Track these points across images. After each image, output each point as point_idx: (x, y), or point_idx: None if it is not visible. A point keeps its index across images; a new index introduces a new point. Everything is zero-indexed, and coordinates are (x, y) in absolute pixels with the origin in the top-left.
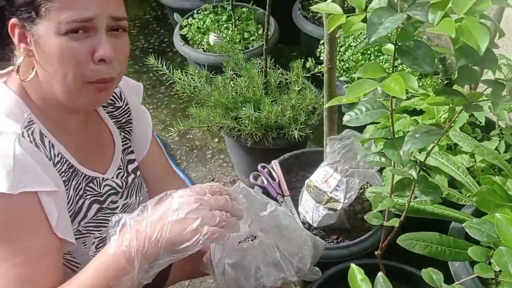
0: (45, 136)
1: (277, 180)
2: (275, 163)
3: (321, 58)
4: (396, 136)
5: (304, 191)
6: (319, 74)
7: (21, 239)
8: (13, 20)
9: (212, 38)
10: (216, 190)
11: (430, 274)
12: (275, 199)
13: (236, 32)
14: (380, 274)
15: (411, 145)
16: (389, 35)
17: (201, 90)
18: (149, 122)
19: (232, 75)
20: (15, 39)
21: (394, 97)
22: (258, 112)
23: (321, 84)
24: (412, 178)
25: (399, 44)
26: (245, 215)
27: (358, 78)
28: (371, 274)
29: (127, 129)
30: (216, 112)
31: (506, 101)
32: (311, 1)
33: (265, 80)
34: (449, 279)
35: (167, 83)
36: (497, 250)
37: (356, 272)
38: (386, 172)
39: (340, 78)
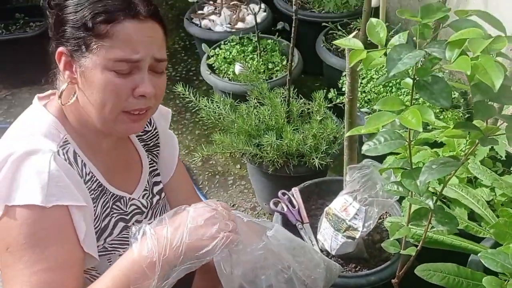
0: (78, 156)
1: (297, 207)
2: (295, 191)
3: (343, 89)
4: (415, 167)
5: (323, 219)
6: (341, 105)
7: (49, 248)
8: (61, 49)
9: (237, 67)
10: (226, 207)
11: None
12: (295, 226)
13: (261, 62)
14: None
15: (428, 175)
16: (408, 70)
17: (225, 118)
18: (176, 146)
19: (255, 103)
20: (61, 66)
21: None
22: (280, 140)
23: (342, 114)
24: (429, 208)
25: (417, 79)
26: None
27: (378, 110)
28: None
29: (154, 152)
30: (239, 139)
31: None
32: (334, 34)
33: (287, 109)
34: None
35: (193, 110)
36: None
37: None
38: (406, 203)
39: (362, 109)
